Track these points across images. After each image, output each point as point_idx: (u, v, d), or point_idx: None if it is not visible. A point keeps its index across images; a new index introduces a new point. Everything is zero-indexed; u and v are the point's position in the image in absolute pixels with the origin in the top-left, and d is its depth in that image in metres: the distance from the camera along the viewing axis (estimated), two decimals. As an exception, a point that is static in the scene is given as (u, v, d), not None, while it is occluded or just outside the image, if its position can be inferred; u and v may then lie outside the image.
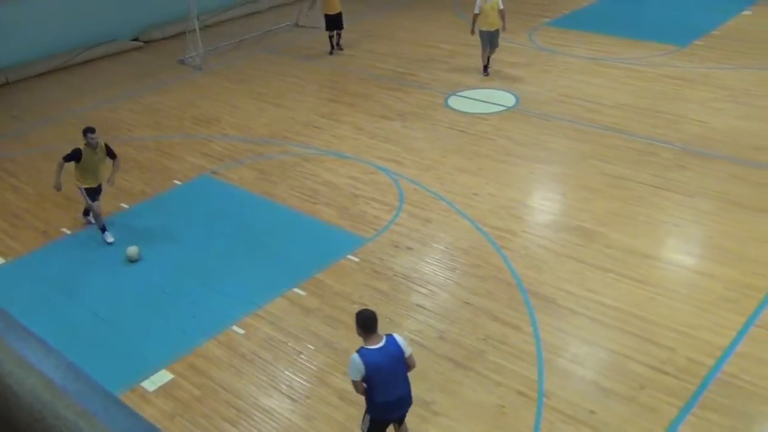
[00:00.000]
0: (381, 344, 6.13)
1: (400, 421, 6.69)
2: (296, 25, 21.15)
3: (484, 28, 15.69)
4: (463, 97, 15.30)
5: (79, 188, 10.54)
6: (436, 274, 9.74)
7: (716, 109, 14.08)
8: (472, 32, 16.03)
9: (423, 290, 9.42)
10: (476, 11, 15.60)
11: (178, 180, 12.59)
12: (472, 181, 11.91)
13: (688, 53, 17.03)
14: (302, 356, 8.41)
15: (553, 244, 10.18)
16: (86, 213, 11.20)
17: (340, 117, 14.69)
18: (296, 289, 9.53)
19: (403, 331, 8.37)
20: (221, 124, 14.73)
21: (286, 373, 8.18)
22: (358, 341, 6.34)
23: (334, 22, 18.07)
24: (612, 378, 7.87)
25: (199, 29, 17.92)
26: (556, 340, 8.38)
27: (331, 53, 18.44)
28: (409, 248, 10.28)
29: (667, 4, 21.22)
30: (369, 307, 6.64)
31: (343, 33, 18.48)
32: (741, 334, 8.36)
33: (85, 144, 10.31)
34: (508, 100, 14.96)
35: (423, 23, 20.58)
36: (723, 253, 9.84)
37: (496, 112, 14.44)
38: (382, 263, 9.97)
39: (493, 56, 16.25)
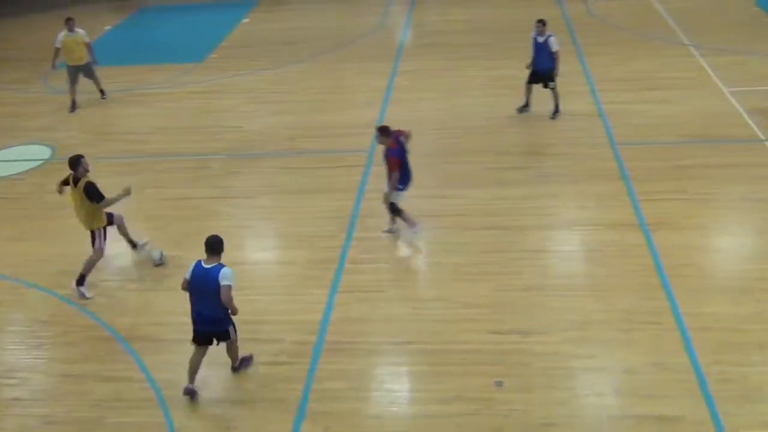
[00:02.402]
0: (209, 266, 7.47)
1: (204, 341, 7.77)
2: None
3: (70, 63, 15.07)
4: (-8, 161, 13.83)
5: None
6: (21, 359, 8.72)
7: (247, 113, 15.04)
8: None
9: (12, 381, 8.35)
10: (57, 45, 14.98)
11: None
12: (26, 247, 10.88)
13: (207, 67, 17.84)
14: None
15: (140, 284, 9.89)
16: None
17: None
18: None
19: (1, 435, 7.34)
20: None
21: None
22: None
23: None
24: (239, 388, 8.00)
25: None
26: (171, 375, 8.16)
27: None
28: (-20, 342, 9.00)
29: (173, 26, 21.92)
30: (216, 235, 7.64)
31: None
32: (329, 304, 9.16)
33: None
34: (44, 152, 13.94)
35: None
36: (294, 238, 10.63)
37: (32, 169, 13.35)
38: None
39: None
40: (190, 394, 7.79)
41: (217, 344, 7.87)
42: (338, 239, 10.47)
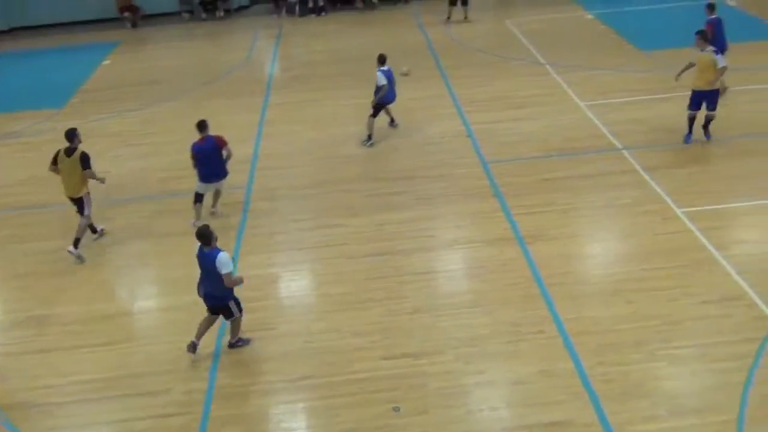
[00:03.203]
0: (207, 250, 8.28)
1: (215, 312, 8.66)
2: None
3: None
4: None
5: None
6: None
7: (115, 157, 14.49)
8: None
9: None
10: None
11: None
12: None
13: (69, 112, 17.08)
14: None
15: (7, 347, 9.27)
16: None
17: None
18: None
19: None
20: None
21: None
22: None
23: None
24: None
25: None
26: (52, 442, 7.68)
27: None
28: None
29: (30, 71, 20.96)
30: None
31: None
32: (217, 347, 8.91)
33: None
34: None
35: None
36: (175, 282, 10.27)
37: None
38: None
39: None
40: (191, 347, 8.62)
41: (226, 320, 8.69)
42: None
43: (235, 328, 8.78)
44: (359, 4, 24.74)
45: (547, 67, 17.59)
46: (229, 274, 8.25)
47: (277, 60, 20.26)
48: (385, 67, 13.96)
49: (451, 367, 8.34)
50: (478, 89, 16.55)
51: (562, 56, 18.22)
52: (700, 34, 12.91)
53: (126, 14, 24.31)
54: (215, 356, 8.77)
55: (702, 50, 12.72)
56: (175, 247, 11.17)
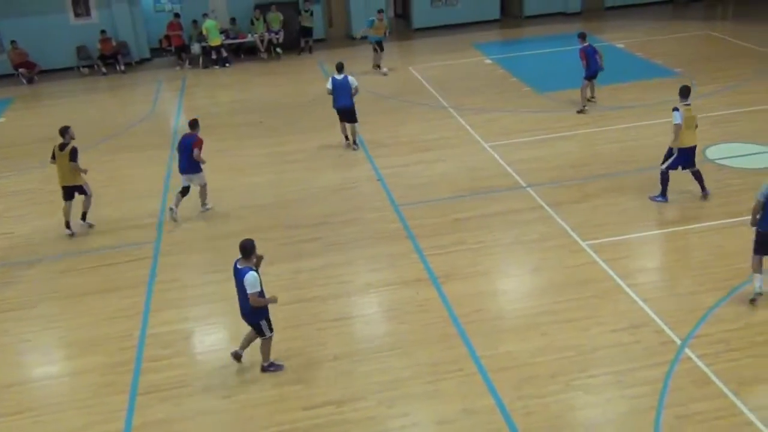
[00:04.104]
0: (240, 267, 8.52)
1: (256, 330, 8.87)
2: None
3: None
4: None
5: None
6: None
7: (17, 217, 13.93)
8: None
9: None
10: None
11: None
12: None
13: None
14: None
15: None
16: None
17: None
18: None
19: None
20: None
21: None
22: None
23: None
24: None
25: None
26: None
27: None
28: None
29: None
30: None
31: None
32: (130, 410, 8.57)
33: None
34: None
35: None
36: (84, 344, 9.88)
37: None
38: None
39: None
40: (235, 356, 9.10)
41: (257, 337, 8.86)
42: (132, 338, 9.91)
43: (265, 349, 8.93)
44: (264, 55, 24.86)
45: (451, 110, 18.09)
46: (256, 294, 8.43)
47: (183, 112, 20.01)
48: (338, 75, 15.54)
49: (375, 412, 8.29)
50: (387, 134, 16.83)
51: (465, 100, 18.79)
52: None
53: (21, 70, 23.56)
54: (128, 418, 8.42)
55: None
56: (83, 306, 10.75)
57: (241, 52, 25.36)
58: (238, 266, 8.57)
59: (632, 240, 11.58)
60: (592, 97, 17.51)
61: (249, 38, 24.98)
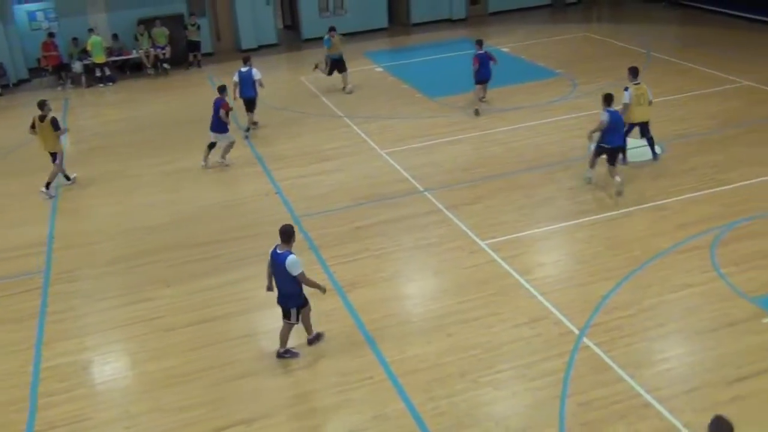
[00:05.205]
0: (280, 252, 8.71)
1: (284, 313, 9.07)
2: None
3: None
4: None
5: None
6: None
7: None
8: None
9: None
10: None
11: None
12: None
13: None
14: None
15: None
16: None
17: None
18: None
19: None
20: None
21: None
22: None
23: None
24: None
25: None
26: None
27: None
28: None
29: None
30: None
31: None
32: (28, 448, 8.12)
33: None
34: None
35: None
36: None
37: None
38: None
39: None
40: (279, 355, 9.25)
41: (283, 319, 9.06)
42: (25, 375, 9.38)
43: (284, 335, 9.17)
44: (151, 71, 24.18)
45: (346, 119, 18.14)
46: (303, 274, 8.70)
47: (67, 132, 19.15)
48: (244, 68, 17.04)
49: (286, 427, 8.18)
50: (283, 146, 16.69)
51: (358, 108, 18.89)
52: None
53: None
54: (25, 459, 7.97)
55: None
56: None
57: (126, 68, 24.58)
58: (278, 251, 8.74)
59: (528, 237, 11.94)
60: (483, 98, 18.03)
61: (134, 54, 24.26)
